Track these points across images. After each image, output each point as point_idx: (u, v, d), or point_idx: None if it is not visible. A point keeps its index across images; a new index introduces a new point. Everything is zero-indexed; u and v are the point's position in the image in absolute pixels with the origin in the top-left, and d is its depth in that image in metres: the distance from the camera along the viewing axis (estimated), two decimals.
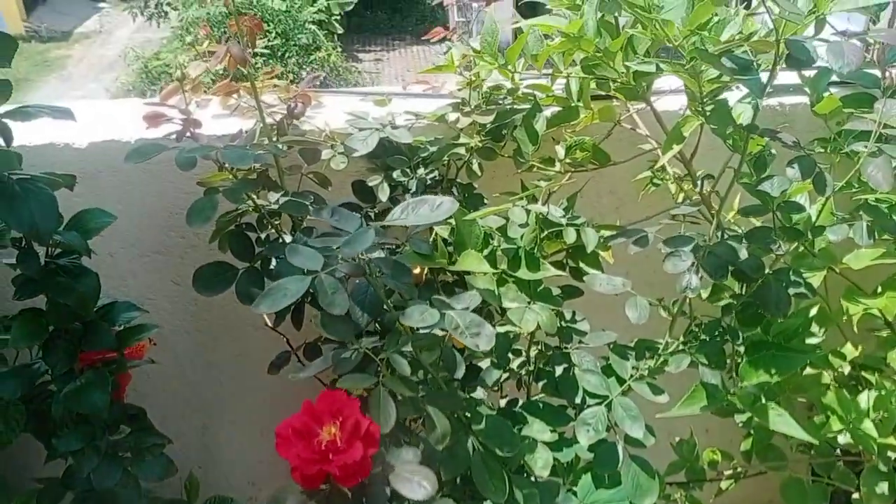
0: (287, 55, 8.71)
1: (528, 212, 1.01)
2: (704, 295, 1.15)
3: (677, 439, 1.26)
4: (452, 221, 1.02)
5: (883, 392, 1.04)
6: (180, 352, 1.44)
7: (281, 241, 1.10)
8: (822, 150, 1.24)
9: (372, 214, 1.24)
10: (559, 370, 1.03)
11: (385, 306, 0.85)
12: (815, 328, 1.11)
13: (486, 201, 1.25)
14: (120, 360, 1.00)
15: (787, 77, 1.15)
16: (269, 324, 1.24)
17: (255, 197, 1.05)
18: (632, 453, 0.96)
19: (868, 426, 1.00)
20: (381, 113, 1.26)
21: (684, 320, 1.02)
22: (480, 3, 1.22)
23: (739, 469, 1.25)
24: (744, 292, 0.99)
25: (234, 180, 1.01)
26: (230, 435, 1.55)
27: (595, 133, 1.24)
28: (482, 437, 0.90)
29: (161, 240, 1.34)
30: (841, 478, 1.21)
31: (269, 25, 8.49)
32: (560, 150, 1.20)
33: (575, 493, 0.97)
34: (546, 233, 1.04)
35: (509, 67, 1.11)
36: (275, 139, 1.13)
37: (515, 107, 1.21)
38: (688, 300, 0.99)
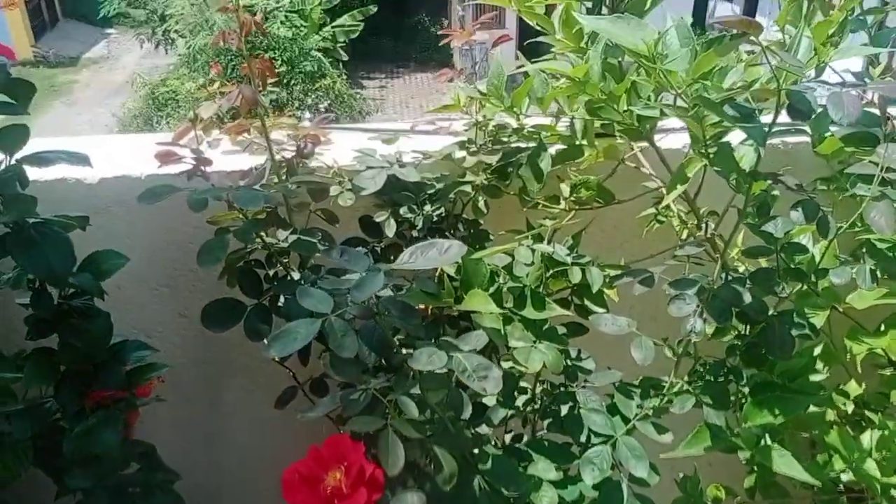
0: (293, 82, 8.80)
1: (533, 251, 1.02)
2: (709, 331, 1.16)
3: (681, 475, 1.26)
4: (459, 260, 1.04)
5: (886, 432, 1.04)
6: (186, 384, 1.45)
7: (289, 278, 1.11)
8: (825, 189, 1.25)
9: (378, 249, 1.26)
10: (564, 409, 1.03)
11: (393, 348, 0.87)
12: (818, 365, 1.12)
13: (491, 237, 1.27)
14: (130, 399, 1.01)
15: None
16: (276, 358, 1.25)
17: (264, 235, 1.07)
18: (636, 492, 0.97)
19: (871, 466, 1.00)
20: (389, 150, 1.28)
21: (689, 360, 1.02)
22: (482, 44, 1.24)
23: None
24: (748, 332, 1.00)
25: (245, 220, 1.02)
26: (236, 468, 1.55)
27: (599, 171, 1.25)
28: (488, 476, 0.90)
29: (169, 273, 1.35)
30: None
31: (274, 53, 8.60)
32: (565, 189, 1.22)
33: None
34: (551, 272, 1.06)
35: (515, 109, 1.13)
36: (284, 177, 1.15)
37: (520, 145, 1.23)
38: (692, 342, 1.00)
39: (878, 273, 1.04)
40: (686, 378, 0.99)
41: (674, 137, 1.35)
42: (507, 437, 1.14)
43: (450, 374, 0.91)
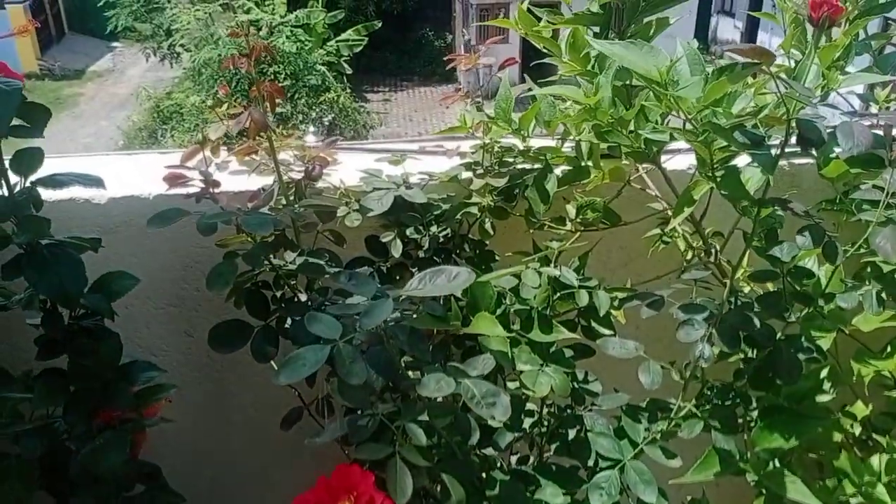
0: (297, 96, 8.85)
1: (540, 274, 1.02)
2: (715, 350, 1.16)
3: (689, 498, 1.26)
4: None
5: (895, 455, 1.04)
6: (192, 402, 1.45)
7: (297, 300, 1.11)
8: (830, 209, 1.25)
9: (384, 269, 1.26)
10: (572, 433, 1.03)
11: (400, 371, 0.87)
12: (825, 386, 1.12)
13: (497, 258, 1.27)
14: (137, 419, 1.01)
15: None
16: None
17: (272, 257, 1.07)
18: None
19: (881, 491, 1.00)
20: (396, 171, 1.29)
21: (697, 384, 1.02)
22: (486, 67, 1.24)
23: None
24: (755, 356, 0.99)
25: (253, 243, 1.03)
26: (239, 487, 1.55)
27: (605, 193, 1.26)
28: (496, 503, 0.90)
29: (176, 292, 1.36)
30: None
31: (279, 67, 8.65)
32: (571, 210, 1.22)
33: None
34: (558, 294, 1.06)
35: (522, 132, 1.14)
36: (292, 198, 1.16)
37: (526, 167, 1.23)
38: (700, 366, 1.00)
39: (884, 296, 1.04)
40: (693, 402, 0.99)
41: (679, 159, 1.36)
42: (514, 459, 1.14)
43: (457, 398, 0.91)
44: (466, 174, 1.26)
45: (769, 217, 1.02)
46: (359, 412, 0.84)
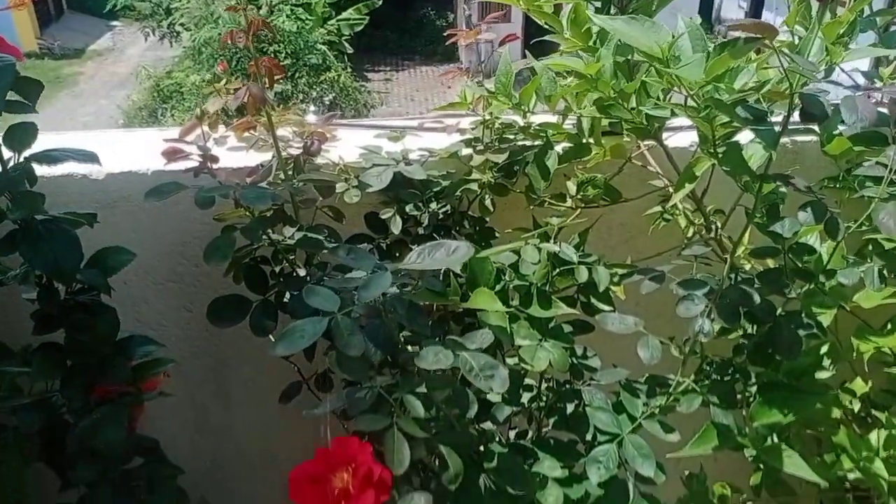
0: (297, 75, 8.79)
1: (540, 250, 1.02)
2: (715, 327, 1.16)
3: (687, 472, 1.26)
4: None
5: (894, 431, 1.04)
6: (191, 377, 1.45)
7: (295, 274, 1.11)
8: (832, 187, 1.25)
9: (384, 246, 1.26)
10: (570, 407, 1.03)
11: (399, 346, 0.87)
12: (825, 362, 1.12)
13: (497, 235, 1.26)
14: (135, 393, 1.01)
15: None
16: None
17: (270, 232, 1.06)
18: (642, 491, 0.97)
19: (879, 466, 1.00)
20: (395, 148, 1.28)
21: (696, 359, 1.02)
22: (487, 43, 1.23)
23: (749, 503, 1.24)
24: (755, 332, 0.99)
25: (251, 217, 1.02)
26: (238, 462, 1.55)
27: (606, 170, 1.25)
28: (494, 475, 0.90)
29: (174, 268, 1.36)
30: None
31: (279, 46, 8.59)
32: (571, 187, 1.22)
33: None
34: (558, 270, 1.05)
35: (522, 107, 1.13)
36: (291, 174, 1.15)
37: (527, 144, 1.22)
38: (699, 342, 1.00)
39: (886, 273, 1.04)
40: (692, 377, 0.99)
41: (681, 136, 1.35)
42: (512, 434, 1.14)
43: (455, 372, 0.91)
44: (466, 151, 1.25)
45: (771, 193, 1.01)
46: (357, 385, 0.84)
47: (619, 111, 1.01)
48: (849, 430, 1.04)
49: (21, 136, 0.84)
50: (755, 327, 1.00)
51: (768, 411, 0.92)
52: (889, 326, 1.21)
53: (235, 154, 1.33)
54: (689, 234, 1.25)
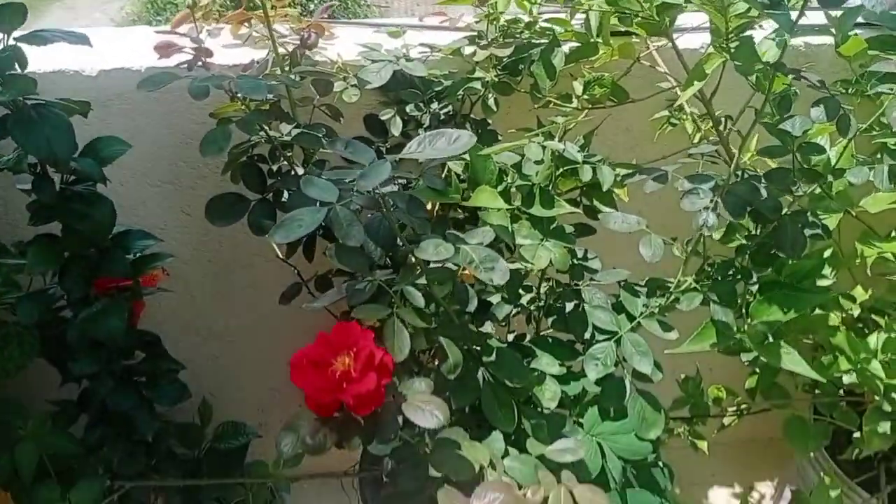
0: None
1: (543, 148, 1.00)
2: (717, 236, 1.15)
3: (682, 376, 1.28)
4: (467, 157, 1.01)
5: (892, 334, 1.05)
6: (191, 282, 1.46)
7: (293, 173, 1.09)
8: (844, 92, 1.21)
9: (384, 149, 1.23)
10: (569, 306, 1.03)
11: (398, 240, 0.86)
12: (826, 271, 1.11)
13: (500, 138, 1.24)
14: (135, 287, 1.01)
15: (813, 17, 1.12)
16: (281, 256, 1.24)
17: (267, 128, 1.04)
18: (639, 388, 0.98)
19: (876, 367, 1.01)
20: (395, 45, 1.24)
21: (697, 260, 1.01)
22: None
23: (743, 406, 1.26)
24: (758, 233, 0.98)
25: (247, 111, 1.00)
26: (240, 364, 1.57)
27: (613, 70, 1.21)
28: (492, 368, 0.91)
29: (172, 170, 1.34)
30: (843, 417, 1.23)
31: None
32: (578, 87, 1.18)
33: (581, 425, 0.99)
34: (561, 170, 1.03)
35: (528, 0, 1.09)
36: (287, 70, 1.11)
37: (533, 41, 1.18)
38: (702, 240, 0.99)
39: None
40: (694, 277, 0.98)
41: (692, 37, 1.31)
42: (510, 338, 1.14)
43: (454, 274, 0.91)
44: (469, 48, 1.21)
45: (782, 92, 0.98)
46: (357, 279, 0.83)
47: (627, 2, 0.97)
48: (847, 333, 1.04)
49: (9, 16, 0.81)
50: (759, 228, 0.99)
51: (767, 309, 0.92)
52: (894, 233, 1.21)
53: (230, 51, 1.29)
54: (696, 141, 1.23)
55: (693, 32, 1.32)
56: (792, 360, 0.92)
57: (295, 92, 1.14)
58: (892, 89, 0.91)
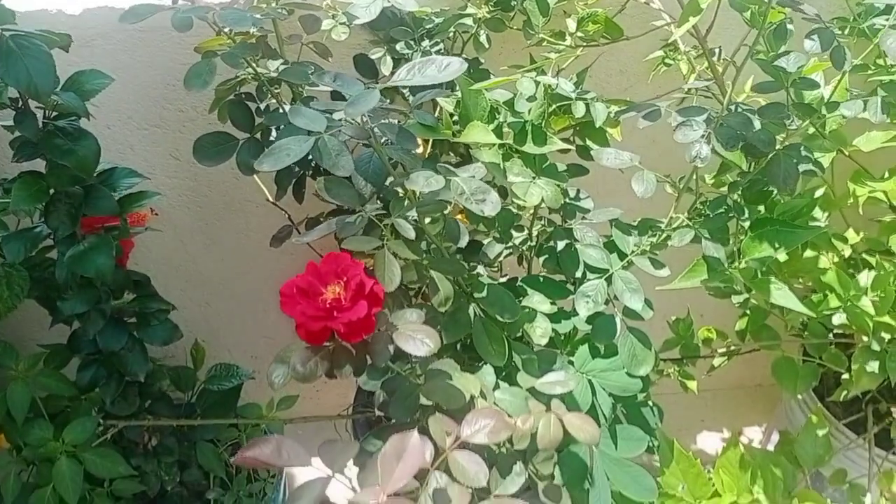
0: None
1: (536, 83, 0.98)
2: (710, 180, 1.14)
3: (673, 318, 1.28)
4: (458, 94, 1.00)
5: (882, 272, 1.05)
6: (181, 228, 1.45)
7: (281, 111, 1.07)
8: (840, 32, 1.20)
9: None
10: (561, 245, 1.03)
11: (389, 175, 0.85)
12: (818, 213, 1.11)
13: (492, 77, 1.22)
14: (122, 225, 1.00)
15: None
16: (271, 199, 1.23)
17: (254, 64, 1.02)
18: (629, 325, 0.98)
19: (865, 303, 1.01)
20: None
21: (689, 198, 1.01)
22: None
23: (733, 347, 1.27)
24: (751, 170, 0.97)
25: (233, 44, 0.97)
26: (232, 310, 1.57)
27: (608, 6, 1.19)
28: (483, 304, 0.91)
29: (159, 112, 1.32)
30: (832, 359, 1.24)
31: None
32: (571, 24, 1.16)
33: (572, 364, 1.00)
34: (554, 107, 1.02)
35: None
36: (274, 3, 1.09)
37: None
38: (695, 178, 0.98)
39: (889, 113, 1.01)
40: (686, 214, 0.98)
41: None
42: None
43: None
44: None
45: (779, 21, 0.96)
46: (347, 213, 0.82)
47: None
48: (838, 270, 1.04)
49: None
50: (751, 166, 0.98)
51: (759, 246, 0.92)
52: (887, 174, 1.20)
53: None
54: (691, 81, 1.22)
55: None
56: (782, 296, 0.92)
57: (282, 28, 1.12)
58: (887, 20, 0.89)
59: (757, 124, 0.85)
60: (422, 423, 0.73)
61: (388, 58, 1.19)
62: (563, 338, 1.06)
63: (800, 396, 1.40)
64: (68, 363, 1.12)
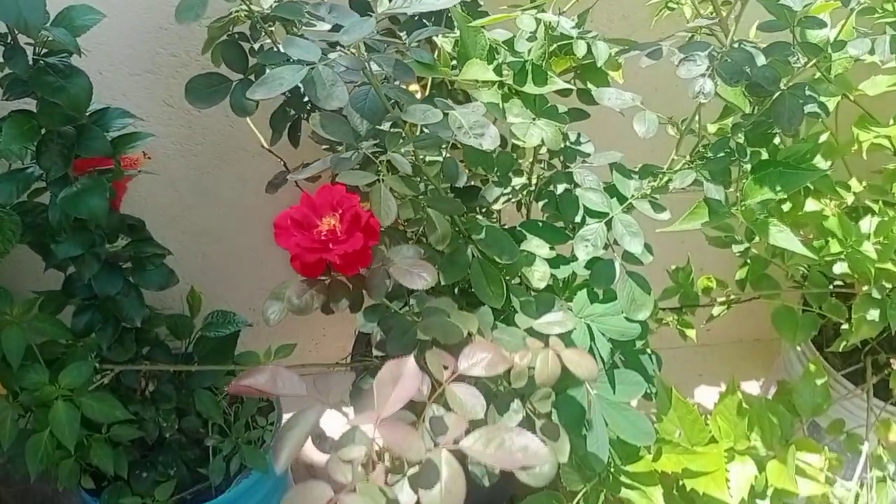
0: None
1: (537, 21, 0.96)
2: (712, 129, 1.12)
3: (673, 267, 1.27)
4: (457, 33, 0.98)
5: (885, 218, 1.04)
6: (177, 178, 1.43)
7: (275, 50, 1.05)
8: None
9: None
10: (560, 189, 1.01)
11: (386, 112, 0.83)
12: (820, 161, 1.09)
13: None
14: (116, 167, 0.98)
15: None
16: (266, 145, 1.22)
17: (247, 0, 0.99)
18: (629, 270, 0.97)
19: (868, 248, 1.00)
20: None
21: (692, 140, 0.99)
22: None
23: (732, 297, 1.27)
24: (754, 111, 0.96)
25: None
26: (229, 262, 1.56)
27: None
28: (481, 245, 0.90)
29: (151, 58, 1.29)
30: (832, 309, 1.23)
31: None
32: None
33: (570, 308, 0.99)
34: (555, 46, 1.00)
35: None
36: None
37: None
38: (697, 119, 0.96)
39: None
40: (688, 157, 0.96)
41: None
42: None
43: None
44: None
45: None
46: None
47: None
48: (840, 215, 1.03)
49: None
50: (755, 110, 0.97)
51: (761, 188, 0.91)
52: (892, 121, 1.18)
53: None
54: None
55: None
56: (784, 238, 0.91)
57: None
58: None
59: (762, 60, 0.83)
60: (419, 360, 0.72)
61: None
62: (561, 284, 1.05)
63: (798, 348, 1.40)
64: (63, 309, 1.11)
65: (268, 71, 1.02)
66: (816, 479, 1.10)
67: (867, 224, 1.04)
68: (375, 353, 0.89)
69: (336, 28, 0.82)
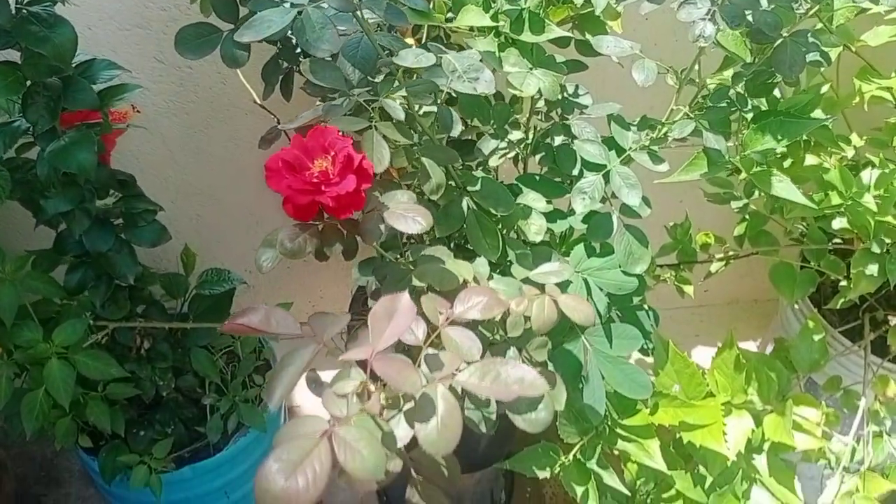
0: None
1: None
2: (711, 83, 1.10)
3: (671, 223, 1.26)
4: None
5: (886, 171, 1.02)
6: (169, 137, 1.41)
7: None
8: None
9: None
10: (558, 140, 1.00)
11: (378, 59, 0.81)
12: (820, 114, 1.08)
13: None
14: (104, 120, 0.96)
15: None
16: (258, 100, 1.19)
17: None
18: (626, 223, 0.96)
19: (868, 200, 0.99)
20: None
21: (691, 91, 0.97)
22: None
23: (731, 253, 1.26)
24: (755, 62, 0.94)
25: None
26: (224, 223, 1.55)
27: None
28: (477, 197, 0.89)
29: (141, 12, 1.27)
30: (830, 266, 1.22)
31: None
32: None
33: (567, 263, 0.98)
34: None
35: None
36: None
37: None
38: (697, 68, 0.94)
39: None
40: (687, 107, 0.95)
41: None
42: None
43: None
44: None
45: None
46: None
47: None
48: (840, 167, 1.01)
49: None
50: (755, 60, 0.95)
51: (761, 138, 0.89)
52: (894, 74, 1.17)
53: None
54: None
55: None
56: (784, 188, 0.90)
57: None
58: None
59: (764, 3, 0.81)
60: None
61: None
62: (558, 239, 1.04)
63: (796, 306, 1.40)
64: (56, 267, 1.10)
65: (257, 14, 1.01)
66: (813, 434, 1.10)
67: (867, 176, 1.03)
68: (371, 304, 0.88)
69: None
